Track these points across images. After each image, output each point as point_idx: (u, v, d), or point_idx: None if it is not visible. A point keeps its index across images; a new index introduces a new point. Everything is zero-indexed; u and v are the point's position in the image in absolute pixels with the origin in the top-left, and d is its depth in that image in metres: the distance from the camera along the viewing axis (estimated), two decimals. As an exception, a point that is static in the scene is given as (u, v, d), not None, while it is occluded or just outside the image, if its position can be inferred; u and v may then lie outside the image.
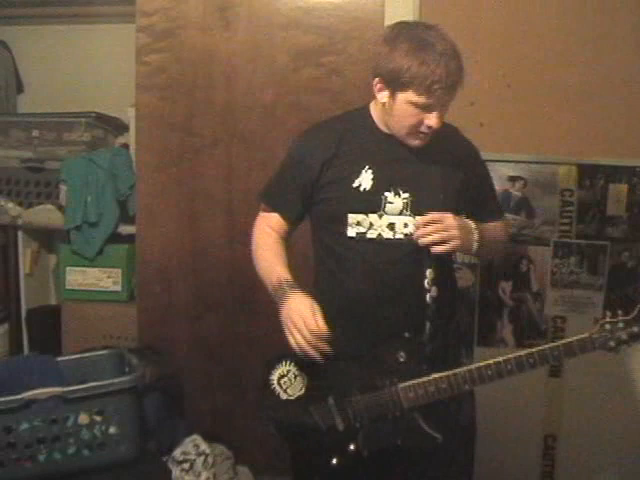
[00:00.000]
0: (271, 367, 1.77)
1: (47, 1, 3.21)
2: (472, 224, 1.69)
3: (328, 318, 1.68)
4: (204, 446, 2.33)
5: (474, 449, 1.85)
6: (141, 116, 2.65)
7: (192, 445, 2.33)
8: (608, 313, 1.59)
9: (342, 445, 1.70)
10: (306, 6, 2.53)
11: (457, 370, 1.63)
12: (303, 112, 2.55)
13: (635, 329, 1.55)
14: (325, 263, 1.79)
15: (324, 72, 2.54)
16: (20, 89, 3.37)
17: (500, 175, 2.47)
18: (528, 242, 2.50)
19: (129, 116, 2.88)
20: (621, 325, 1.56)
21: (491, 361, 1.61)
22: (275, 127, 2.58)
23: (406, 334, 1.67)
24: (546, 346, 1.59)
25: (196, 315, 2.69)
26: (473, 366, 1.62)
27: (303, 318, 1.60)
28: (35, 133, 3.05)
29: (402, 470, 1.74)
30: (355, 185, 1.69)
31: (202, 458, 2.29)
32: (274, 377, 1.77)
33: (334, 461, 1.70)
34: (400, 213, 1.69)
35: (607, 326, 1.57)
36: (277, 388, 1.76)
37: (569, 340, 1.59)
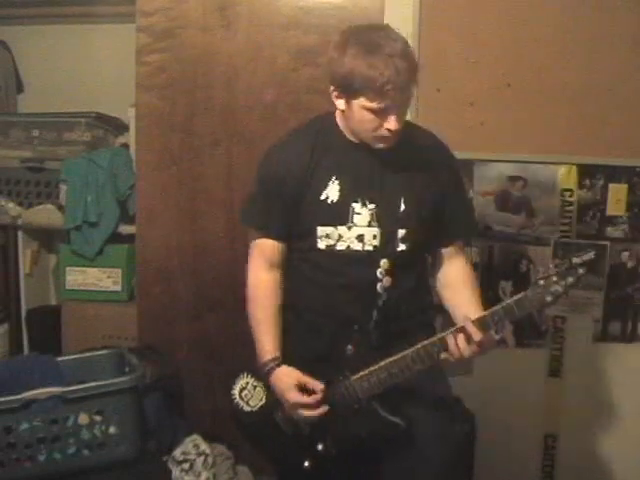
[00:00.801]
0: (233, 381, 1.80)
1: (47, 1, 3.20)
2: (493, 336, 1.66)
3: (293, 317, 1.76)
4: (204, 446, 2.33)
5: (456, 427, 1.86)
6: (141, 116, 2.65)
7: (192, 445, 2.33)
8: (541, 269, 1.56)
9: (311, 447, 1.71)
10: (306, 6, 2.53)
11: (404, 352, 1.61)
12: (303, 112, 2.54)
13: (570, 279, 1.54)
14: (295, 266, 1.79)
15: (324, 72, 2.54)
16: (20, 89, 3.37)
17: (500, 175, 2.47)
18: (528, 242, 2.50)
19: (129, 116, 2.88)
20: (555, 279, 1.54)
21: (435, 337, 1.60)
22: (275, 127, 2.57)
23: (355, 326, 1.68)
24: (486, 312, 1.58)
25: (196, 315, 2.69)
26: (419, 345, 1.60)
27: (294, 398, 1.65)
28: (35, 133, 3.05)
29: (381, 461, 1.73)
30: (322, 197, 1.68)
31: (202, 458, 2.29)
32: (236, 391, 1.80)
33: (306, 464, 1.71)
34: (368, 224, 1.68)
35: (541, 282, 1.54)
36: (240, 401, 1.78)
37: (507, 302, 1.56)
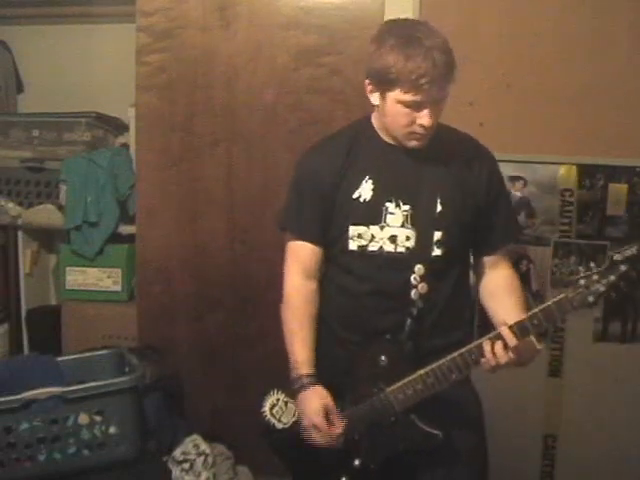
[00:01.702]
0: (262, 399, 1.77)
1: (47, 1, 3.20)
2: (534, 342, 1.58)
3: (329, 323, 1.72)
4: (204, 446, 2.33)
5: (486, 445, 1.78)
6: (141, 116, 2.65)
7: (192, 445, 2.33)
8: (581, 269, 1.49)
9: (347, 463, 1.67)
10: (306, 6, 2.53)
11: (440, 361, 1.56)
12: (303, 112, 2.55)
13: (612, 278, 1.45)
14: (324, 273, 1.75)
15: (324, 72, 2.54)
16: (20, 89, 3.37)
17: (500, 175, 2.47)
18: (528, 242, 2.50)
19: (129, 116, 2.88)
20: (596, 277, 1.46)
21: (472, 345, 1.54)
22: (275, 127, 2.58)
23: (387, 336, 1.64)
24: (524, 316, 1.51)
25: (196, 315, 2.70)
26: (455, 353, 1.55)
27: (317, 422, 1.62)
28: (35, 133, 3.06)
29: (416, 473, 1.69)
30: (355, 196, 1.64)
31: (202, 458, 2.29)
32: (266, 408, 1.76)
33: None
34: (402, 225, 1.63)
35: (582, 282, 1.47)
36: (271, 418, 1.75)
37: (546, 304, 1.50)
